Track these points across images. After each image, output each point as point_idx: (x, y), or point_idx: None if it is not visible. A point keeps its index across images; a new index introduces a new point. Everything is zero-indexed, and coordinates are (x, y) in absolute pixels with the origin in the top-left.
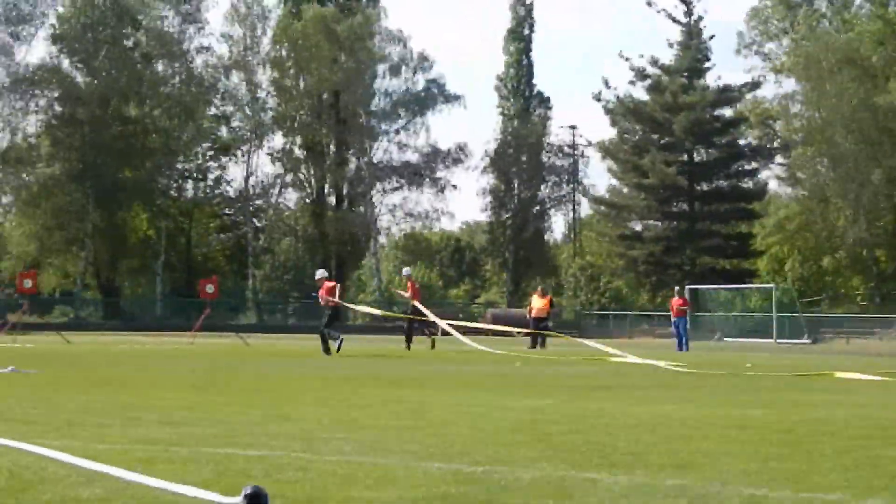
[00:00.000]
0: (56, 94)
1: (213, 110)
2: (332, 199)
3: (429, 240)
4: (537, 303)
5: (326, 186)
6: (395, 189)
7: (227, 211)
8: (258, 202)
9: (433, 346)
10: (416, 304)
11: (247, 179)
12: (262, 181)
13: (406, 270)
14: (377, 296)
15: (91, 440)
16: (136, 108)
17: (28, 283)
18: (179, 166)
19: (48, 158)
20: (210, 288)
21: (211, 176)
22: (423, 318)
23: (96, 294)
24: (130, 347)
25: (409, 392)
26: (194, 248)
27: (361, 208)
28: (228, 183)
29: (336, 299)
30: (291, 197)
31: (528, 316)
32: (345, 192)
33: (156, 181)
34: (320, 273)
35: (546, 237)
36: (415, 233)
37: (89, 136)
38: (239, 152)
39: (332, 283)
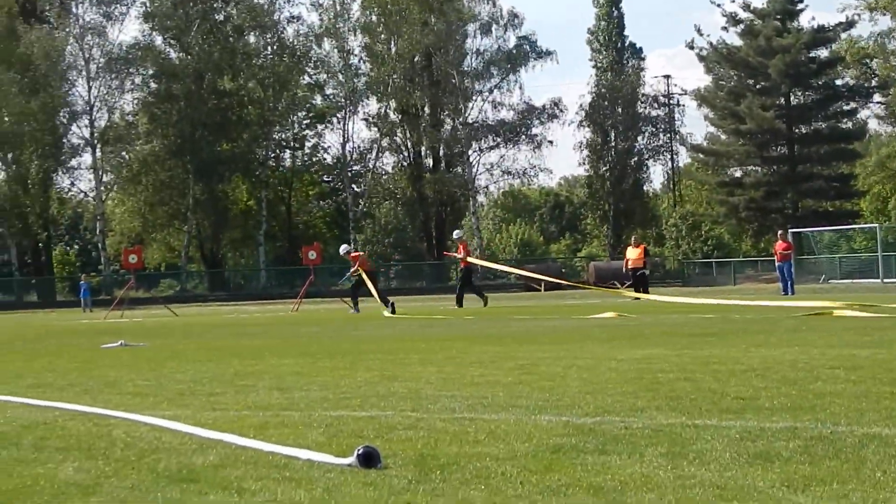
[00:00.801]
0: (151, 72)
1: (306, 79)
2: (430, 161)
3: (528, 196)
4: (632, 253)
5: (423, 148)
6: (492, 148)
7: (325, 178)
8: (356, 168)
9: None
10: (471, 259)
11: (343, 146)
12: (359, 146)
13: (457, 233)
14: (478, 254)
15: (203, 409)
16: (230, 82)
17: (133, 259)
18: (276, 136)
19: (147, 135)
20: (312, 255)
21: (308, 144)
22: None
23: (200, 266)
24: (237, 317)
25: (515, 348)
26: (295, 217)
27: (459, 168)
28: (325, 150)
29: (356, 269)
30: (389, 161)
31: (624, 268)
32: (441, 153)
33: (254, 152)
34: (343, 248)
35: (645, 188)
36: (513, 190)
37: (186, 111)
38: (334, 119)
39: (356, 254)
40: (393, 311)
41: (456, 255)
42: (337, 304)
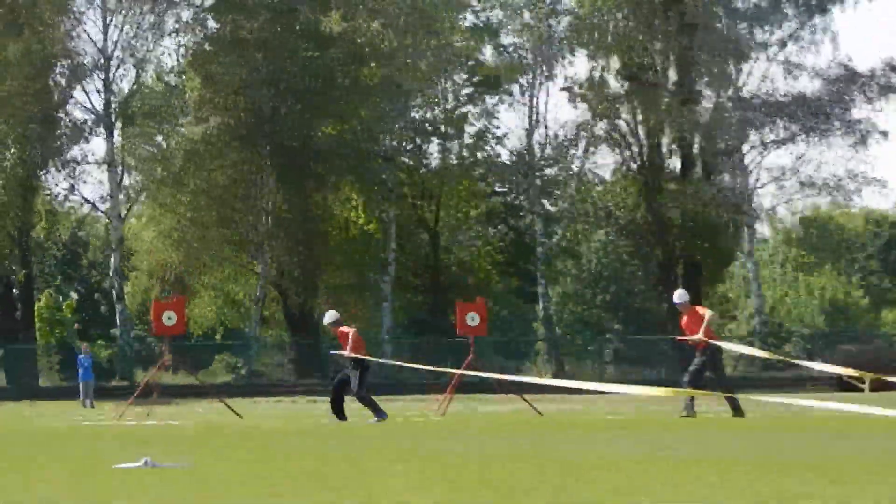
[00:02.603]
0: (207, 2)
1: (468, 19)
2: (675, 162)
3: (842, 227)
4: None
5: (664, 140)
6: (783, 142)
7: (497, 187)
8: (549, 171)
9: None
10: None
11: (530, 133)
12: (556, 135)
13: (679, 295)
14: (756, 325)
15: None
16: (338, 19)
17: (170, 319)
18: (416, 115)
19: (198, 108)
20: (473, 319)
21: (469, 129)
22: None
23: (282, 333)
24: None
25: (819, 486)
26: (444, 252)
27: (726, 175)
28: (499, 140)
29: (349, 352)
30: (606, 161)
31: None
32: (696, 147)
33: (376, 140)
34: (330, 316)
35: None
36: (819, 215)
37: (264, 67)
38: (516, 88)
39: (346, 330)
40: (378, 417)
41: (690, 338)
42: (515, 404)
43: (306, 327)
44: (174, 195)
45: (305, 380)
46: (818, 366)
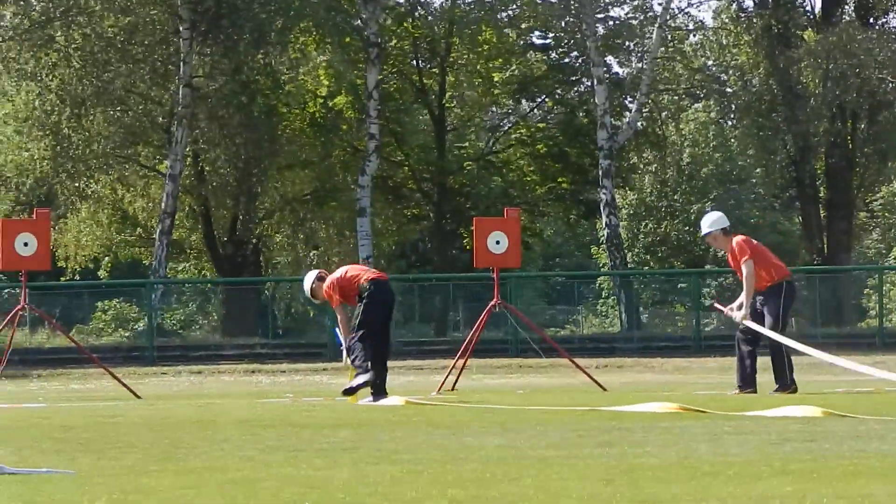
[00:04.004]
0: None
1: None
2: None
3: None
4: None
5: None
6: None
7: (537, 38)
8: (617, 12)
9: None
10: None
11: None
12: None
13: (711, 222)
14: None
15: None
16: None
17: (27, 247)
18: None
19: None
20: (500, 242)
21: None
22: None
23: (203, 267)
24: (291, 404)
25: None
26: (454, 140)
27: (894, 18)
28: None
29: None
30: None
31: None
32: None
33: None
34: (311, 280)
35: None
36: None
37: None
38: None
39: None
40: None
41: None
42: (572, 375)
43: (241, 260)
44: (35, 56)
45: (238, 339)
46: None
